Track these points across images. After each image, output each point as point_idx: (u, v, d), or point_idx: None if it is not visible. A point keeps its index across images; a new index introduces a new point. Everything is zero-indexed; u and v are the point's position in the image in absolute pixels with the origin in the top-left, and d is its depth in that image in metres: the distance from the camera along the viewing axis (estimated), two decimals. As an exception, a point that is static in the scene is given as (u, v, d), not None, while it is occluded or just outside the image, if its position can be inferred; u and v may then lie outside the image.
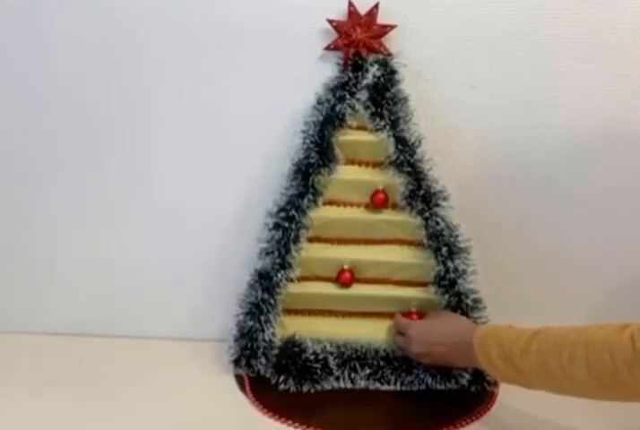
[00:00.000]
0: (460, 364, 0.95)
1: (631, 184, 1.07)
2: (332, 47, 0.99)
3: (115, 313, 1.15)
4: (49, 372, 1.04)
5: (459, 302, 0.99)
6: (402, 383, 1.01)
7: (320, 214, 1.01)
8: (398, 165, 0.98)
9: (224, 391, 1.00)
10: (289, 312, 1.05)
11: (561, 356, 0.75)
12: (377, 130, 0.98)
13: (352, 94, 0.98)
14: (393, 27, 0.97)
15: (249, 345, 1.01)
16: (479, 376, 1.00)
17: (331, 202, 1.03)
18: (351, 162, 1.02)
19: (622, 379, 0.70)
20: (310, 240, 1.02)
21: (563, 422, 0.94)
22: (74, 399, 0.96)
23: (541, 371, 0.78)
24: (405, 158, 0.98)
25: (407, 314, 1.04)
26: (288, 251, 1.00)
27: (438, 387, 1.01)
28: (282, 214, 1.00)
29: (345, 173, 1.01)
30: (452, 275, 0.99)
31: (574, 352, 0.74)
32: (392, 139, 0.98)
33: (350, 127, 1.00)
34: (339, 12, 0.97)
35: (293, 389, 0.99)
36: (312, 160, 0.98)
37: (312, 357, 1.00)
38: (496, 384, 1.01)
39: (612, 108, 1.02)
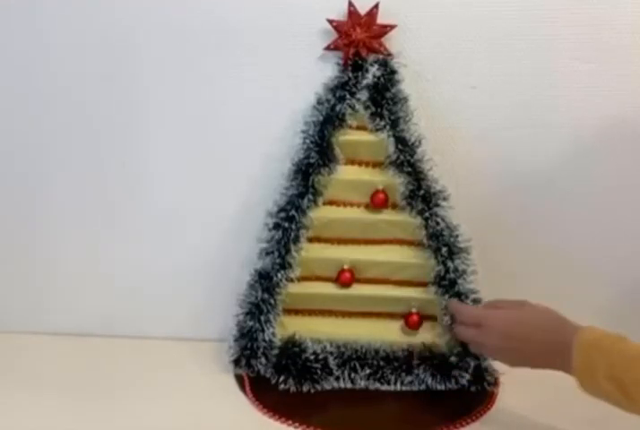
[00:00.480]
0: (541, 364, 0.81)
1: (631, 183, 1.07)
2: (332, 47, 0.99)
3: (115, 313, 1.15)
4: (49, 372, 1.04)
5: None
6: (402, 383, 1.01)
7: (320, 214, 1.01)
8: (398, 165, 0.98)
9: (224, 391, 1.00)
10: (289, 312, 1.05)
11: None
12: (377, 130, 0.98)
13: (352, 94, 0.98)
14: (393, 27, 0.97)
15: (249, 345, 1.01)
16: (479, 376, 1.00)
17: (331, 202, 1.03)
18: (351, 162, 1.02)
19: None
20: (310, 240, 1.02)
21: (563, 422, 0.94)
22: (74, 400, 0.96)
23: None
24: (405, 158, 0.98)
25: (407, 315, 1.04)
26: (288, 251, 1.00)
27: (438, 387, 1.01)
28: (282, 214, 1.00)
29: (345, 173, 1.01)
30: (452, 275, 0.99)
31: None
32: (392, 139, 0.98)
33: (350, 127, 0.99)
34: (339, 12, 0.97)
35: (293, 389, 0.99)
36: (312, 160, 0.98)
37: (312, 357, 1.00)
38: (496, 384, 1.01)
39: (612, 108, 1.02)
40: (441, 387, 1.01)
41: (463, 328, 0.90)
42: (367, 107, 0.98)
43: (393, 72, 0.98)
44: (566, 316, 0.84)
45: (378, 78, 0.97)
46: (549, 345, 0.79)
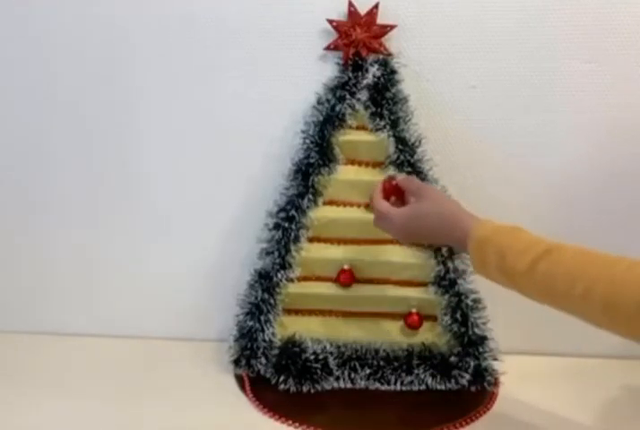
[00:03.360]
0: (446, 245, 0.91)
1: (631, 183, 1.07)
2: (332, 47, 0.99)
3: (115, 313, 1.15)
4: (49, 372, 1.04)
5: (459, 302, 0.99)
6: (402, 383, 1.01)
7: (320, 214, 1.01)
8: (398, 165, 0.99)
9: (224, 391, 1.00)
10: (289, 312, 1.05)
11: (574, 288, 0.68)
12: (377, 130, 0.98)
13: (352, 94, 0.98)
14: (393, 27, 0.97)
15: (249, 345, 1.01)
16: (479, 376, 1.00)
17: (331, 202, 1.03)
18: (351, 162, 1.02)
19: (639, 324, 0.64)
20: (310, 240, 1.02)
21: (563, 422, 0.94)
22: (74, 400, 0.96)
23: (545, 293, 0.72)
24: (405, 158, 0.98)
25: (407, 315, 1.04)
26: (288, 251, 1.00)
27: (438, 387, 1.01)
28: (282, 214, 1.00)
29: (345, 173, 1.01)
30: (452, 275, 0.99)
31: (591, 288, 0.67)
32: (392, 139, 0.98)
33: (350, 127, 1.00)
34: (339, 12, 0.98)
35: (293, 389, 0.99)
36: (312, 160, 0.99)
37: (312, 357, 1.00)
38: (496, 384, 1.01)
39: (612, 108, 1.02)
40: (441, 387, 1.01)
41: (376, 219, 0.91)
42: (367, 107, 0.99)
43: (393, 72, 0.98)
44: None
45: (378, 78, 0.98)
46: (446, 240, 0.84)
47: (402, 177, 0.93)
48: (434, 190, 0.91)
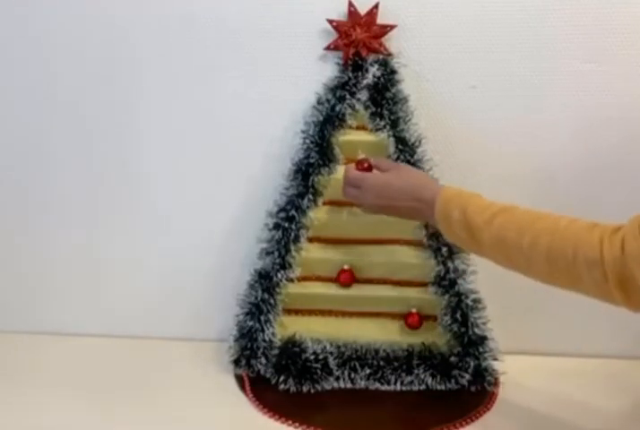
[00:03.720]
0: (413, 218, 0.93)
1: (632, 183, 1.07)
2: (332, 47, 0.99)
3: (115, 313, 1.15)
4: (49, 372, 1.04)
5: (459, 302, 0.99)
6: (402, 383, 1.01)
7: (320, 214, 1.01)
8: (398, 165, 0.98)
9: (224, 391, 1.00)
10: (289, 312, 1.05)
11: (523, 238, 0.76)
12: (377, 130, 0.98)
13: (352, 94, 0.98)
14: (393, 27, 0.97)
15: (249, 345, 1.01)
16: (479, 376, 1.00)
17: (331, 202, 1.03)
18: (351, 162, 1.02)
19: (577, 273, 0.72)
20: (310, 240, 1.02)
21: (563, 422, 0.94)
22: (74, 399, 0.96)
23: (498, 245, 0.79)
24: (405, 158, 0.98)
25: (407, 315, 1.04)
26: (288, 251, 1.00)
27: (438, 387, 1.01)
28: (282, 214, 1.00)
29: (345, 173, 1.01)
30: (452, 275, 0.99)
31: (537, 238, 0.75)
32: (392, 139, 0.98)
33: (350, 127, 1.00)
34: (339, 12, 0.98)
35: (293, 389, 0.99)
36: (312, 160, 0.99)
37: (312, 357, 1.00)
38: (496, 384, 1.01)
39: (612, 108, 1.02)
40: (441, 387, 1.01)
41: (347, 188, 0.95)
42: (367, 107, 0.99)
43: (393, 72, 0.98)
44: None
45: (378, 78, 0.98)
46: (417, 202, 0.88)
47: (374, 159, 0.96)
48: (406, 165, 0.96)
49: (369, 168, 0.95)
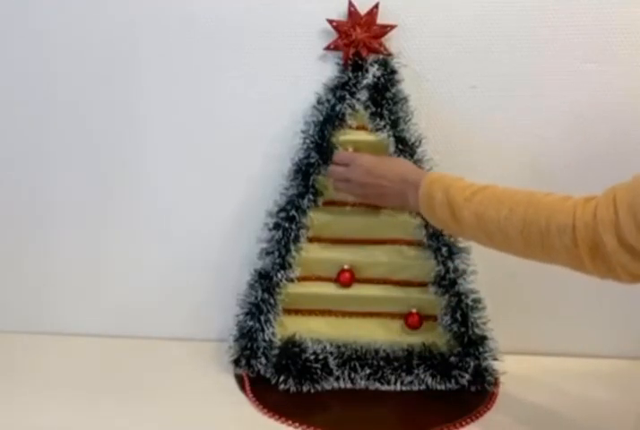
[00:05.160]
0: (395, 202, 0.94)
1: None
2: (332, 47, 0.99)
3: (115, 313, 1.15)
4: (49, 372, 1.04)
5: (459, 302, 0.99)
6: (402, 383, 1.01)
7: (320, 214, 1.01)
8: (398, 165, 0.98)
9: (224, 391, 1.00)
10: (289, 312, 1.05)
11: (500, 211, 0.78)
12: (377, 130, 0.98)
13: (352, 94, 0.98)
14: (393, 27, 0.97)
15: (249, 345, 1.01)
16: (479, 376, 1.00)
17: (331, 202, 1.03)
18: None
19: (550, 242, 0.74)
20: (310, 240, 1.02)
21: (563, 422, 0.94)
22: (74, 399, 0.96)
23: (478, 222, 0.81)
24: (405, 158, 0.98)
25: (407, 315, 1.04)
26: (288, 251, 1.00)
27: (438, 387, 1.01)
28: (282, 214, 1.00)
29: (345, 173, 1.01)
30: (452, 275, 0.99)
31: (514, 209, 0.77)
32: (392, 139, 0.98)
33: (350, 127, 1.00)
34: (339, 12, 0.98)
35: (293, 389, 0.99)
36: (312, 160, 0.99)
37: (312, 357, 1.00)
38: (496, 384, 1.01)
39: (612, 108, 1.02)
40: (441, 387, 1.01)
41: (335, 166, 0.97)
42: (367, 107, 0.99)
43: (393, 72, 0.98)
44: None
45: (378, 78, 0.97)
46: (404, 184, 0.90)
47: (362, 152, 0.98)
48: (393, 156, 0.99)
49: None
